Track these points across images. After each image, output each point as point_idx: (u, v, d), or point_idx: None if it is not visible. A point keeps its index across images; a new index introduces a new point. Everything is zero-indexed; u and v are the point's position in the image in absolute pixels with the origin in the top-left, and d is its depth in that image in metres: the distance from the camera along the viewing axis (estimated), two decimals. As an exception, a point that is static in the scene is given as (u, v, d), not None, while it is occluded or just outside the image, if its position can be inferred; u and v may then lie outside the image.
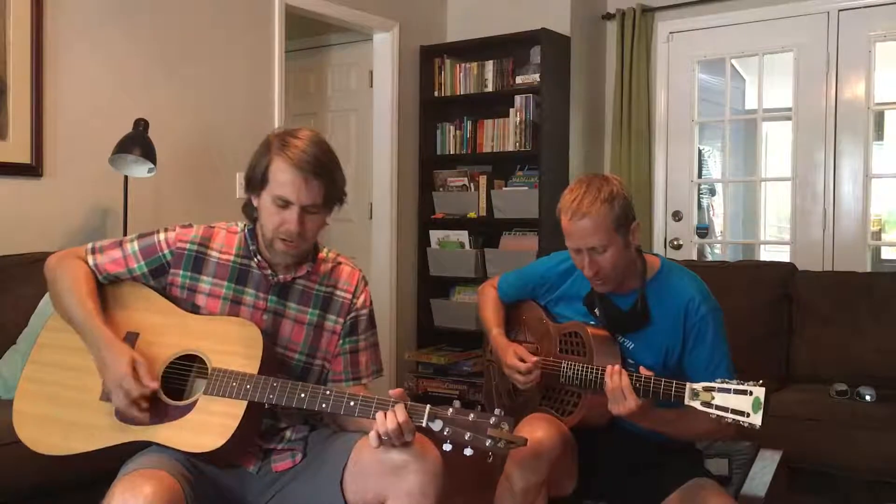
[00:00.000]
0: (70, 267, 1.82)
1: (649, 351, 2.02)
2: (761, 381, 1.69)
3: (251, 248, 1.86)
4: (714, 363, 1.97)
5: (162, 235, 1.87)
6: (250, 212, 1.87)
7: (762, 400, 1.66)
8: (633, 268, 2.03)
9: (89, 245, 1.88)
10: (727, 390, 1.71)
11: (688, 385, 1.77)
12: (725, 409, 1.70)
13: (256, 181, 1.79)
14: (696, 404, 1.74)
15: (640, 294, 2.02)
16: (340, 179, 1.83)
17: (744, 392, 1.68)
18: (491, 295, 2.37)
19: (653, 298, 2.02)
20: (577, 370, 2.00)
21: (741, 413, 1.68)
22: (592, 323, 2.07)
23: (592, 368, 1.96)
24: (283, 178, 1.74)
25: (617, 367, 1.86)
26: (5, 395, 2.56)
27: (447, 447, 1.62)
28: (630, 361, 2.02)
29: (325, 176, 1.77)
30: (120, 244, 1.87)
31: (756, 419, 1.66)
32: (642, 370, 1.87)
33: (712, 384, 1.73)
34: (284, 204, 1.75)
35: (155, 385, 1.69)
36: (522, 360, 2.10)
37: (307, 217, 1.77)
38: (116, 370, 1.68)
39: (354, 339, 1.92)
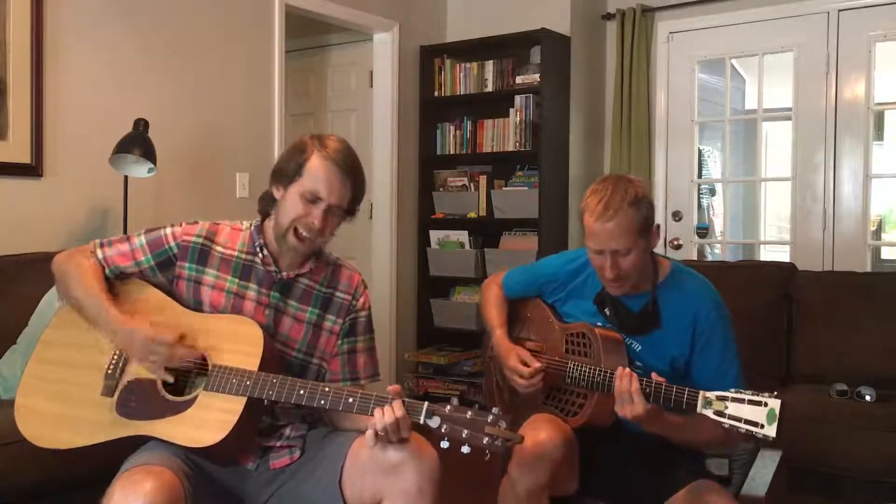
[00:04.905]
0: (78, 262, 1.86)
1: (657, 354, 2.01)
2: (776, 393, 1.68)
3: (257, 243, 1.88)
4: (723, 370, 1.97)
5: (168, 230, 1.90)
6: (266, 204, 1.90)
7: (777, 412, 1.65)
8: (646, 270, 2.02)
9: (97, 241, 1.92)
10: (741, 400, 1.70)
11: (701, 393, 1.76)
12: (738, 420, 1.69)
13: (288, 173, 1.82)
14: (709, 413, 1.73)
15: (651, 296, 2.01)
16: (364, 189, 1.88)
17: (758, 403, 1.68)
18: (494, 292, 2.35)
19: (664, 301, 2.02)
20: (584, 371, 1.99)
21: (755, 424, 1.67)
22: (600, 324, 2.06)
23: (601, 370, 1.95)
24: (320, 173, 1.79)
25: (627, 370, 1.85)
26: (5, 395, 2.56)
27: (444, 444, 1.62)
28: (637, 364, 2.01)
29: (357, 179, 1.84)
30: (127, 239, 1.91)
31: (770, 430, 1.66)
32: (654, 376, 1.86)
33: (726, 394, 1.72)
34: (313, 199, 1.79)
35: (176, 334, 1.73)
36: (525, 364, 2.09)
37: (330, 216, 1.81)
38: (142, 335, 1.72)
39: (353, 339, 1.94)
